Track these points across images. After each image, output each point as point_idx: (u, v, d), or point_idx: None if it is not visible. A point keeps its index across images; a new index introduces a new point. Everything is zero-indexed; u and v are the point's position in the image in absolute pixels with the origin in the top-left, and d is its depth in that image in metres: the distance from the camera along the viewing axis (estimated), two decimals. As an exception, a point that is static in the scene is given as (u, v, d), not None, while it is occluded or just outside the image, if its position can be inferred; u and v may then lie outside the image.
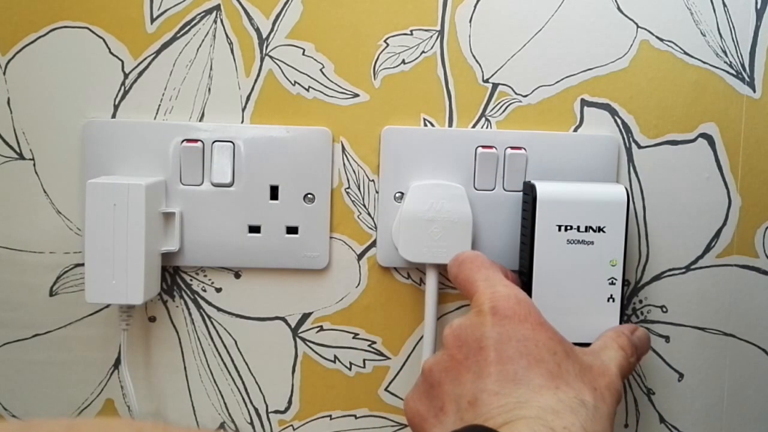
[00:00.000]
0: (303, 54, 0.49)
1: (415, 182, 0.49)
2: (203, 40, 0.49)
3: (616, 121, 0.51)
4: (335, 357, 0.51)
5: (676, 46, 0.50)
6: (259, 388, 0.51)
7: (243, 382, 0.51)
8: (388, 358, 0.52)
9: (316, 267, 0.50)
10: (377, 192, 0.50)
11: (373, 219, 0.51)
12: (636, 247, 0.52)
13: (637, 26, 0.50)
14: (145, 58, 0.49)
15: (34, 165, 0.49)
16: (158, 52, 0.49)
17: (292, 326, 0.51)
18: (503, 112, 0.50)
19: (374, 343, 0.51)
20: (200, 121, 0.49)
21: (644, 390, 0.53)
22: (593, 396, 0.36)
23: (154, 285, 0.48)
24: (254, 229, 0.49)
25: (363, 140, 0.50)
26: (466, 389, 0.36)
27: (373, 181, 0.50)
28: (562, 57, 0.50)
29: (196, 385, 0.51)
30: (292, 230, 0.50)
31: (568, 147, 0.50)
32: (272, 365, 0.51)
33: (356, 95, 0.50)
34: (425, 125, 0.50)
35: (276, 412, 0.52)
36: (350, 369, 0.52)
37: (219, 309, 0.51)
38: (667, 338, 0.52)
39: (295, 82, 0.49)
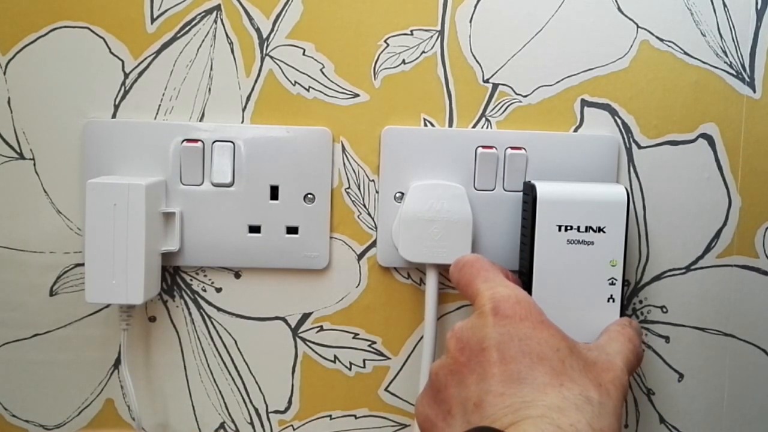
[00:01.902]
0: (303, 54, 0.49)
1: (415, 182, 0.49)
2: (203, 40, 0.49)
3: (616, 122, 0.51)
4: (335, 357, 0.51)
5: (676, 46, 0.50)
6: (259, 388, 0.52)
7: (243, 382, 0.51)
8: (388, 358, 0.52)
9: (316, 267, 0.50)
10: (377, 192, 0.50)
11: (373, 219, 0.51)
12: (636, 248, 0.52)
13: (637, 26, 0.50)
14: (146, 58, 0.49)
15: (34, 165, 0.49)
16: (158, 52, 0.49)
17: (292, 326, 0.51)
18: (503, 112, 0.50)
19: (374, 343, 0.52)
20: (200, 121, 0.49)
21: (644, 390, 0.53)
22: (598, 392, 0.36)
23: (154, 285, 0.48)
24: (254, 229, 0.49)
25: (363, 140, 0.50)
26: (471, 391, 0.36)
27: (373, 181, 0.50)
28: (563, 57, 0.50)
29: (196, 385, 0.51)
30: (292, 230, 0.50)
31: (568, 147, 0.50)
32: (272, 365, 0.51)
33: (356, 95, 0.50)
34: (425, 125, 0.50)
35: (276, 412, 0.52)
36: (350, 369, 0.52)
37: (219, 309, 0.51)
38: (667, 338, 0.52)
39: (296, 82, 0.49)
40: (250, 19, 0.49)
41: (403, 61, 0.50)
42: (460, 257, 0.45)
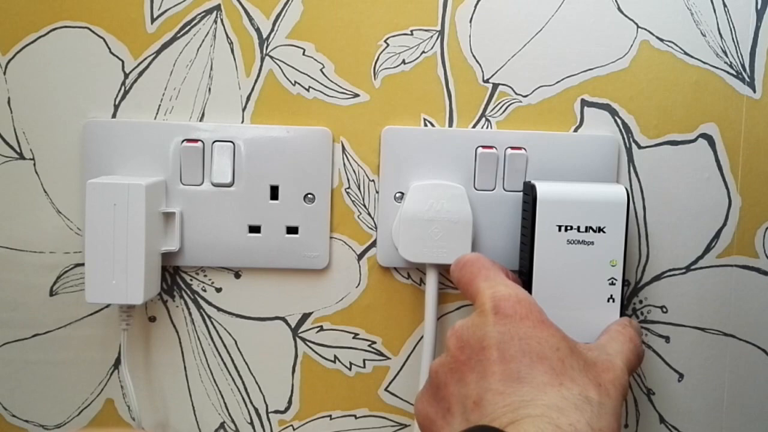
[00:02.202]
0: (303, 54, 0.49)
1: (415, 182, 0.49)
2: (203, 40, 0.49)
3: (616, 122, 0.51)
4: (335, 357, 0.51)
5: (677, 46, 0.50)
6: (259, 388, 0.52)
7: (243, 382, 0.51)
8: (388, 358, 0.52)
9: (316, 267, 0.50)
10: (377, 192, 0.50)
11: (373, 219, 0.51)
12: (636, 248, 0.52)
13: (638, 26, 0.50)
14: (146, 58, 0.49)
15: (34, 165, 0.49)
16: (158, 52, 0.49)
17: (292, 326, 0.51)
18: (503, 112, 0.50)
19: (374, 343, 0.52)
20: (200, 121, 0.49)
21: (644, 390, 0.53)
22: (598, 392, 0.36)
23: (154, 285, 0.48)
24: (254, 229, 0.49)
25: (363, 140, 0.50)
26: (470, 389, 0.36)
27: (373, 181, 0.50)
28: (562, 57, 0.50)
29: (196, 385, 0.51)
30: (292, 230, 0.50)
31: (568, 147, 0.50)
32: (272, 365, 0.51)
33: (356, 95, 0.50)
34: (425, 125, 0.50)
35: (276, 412, 0.52)
36: (350, 369, 0.52)
37: (219, 309, 0.51)
38: (667, 338, 0.52)
39: (296, 82, 0.49)
40: (250, 19, 0.49)
41: (403, 61, 0.50)
42: (461, 256, 0.45)
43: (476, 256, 0.44)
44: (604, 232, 0.46)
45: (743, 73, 0.51)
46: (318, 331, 0.51)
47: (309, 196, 0.49)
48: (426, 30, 0.49)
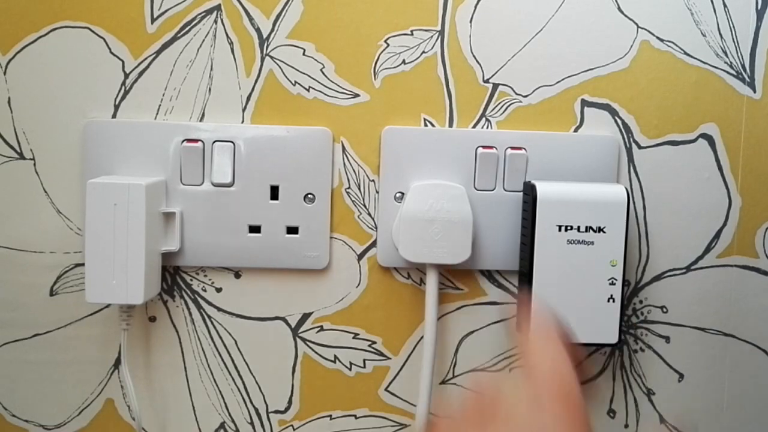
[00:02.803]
0: (303, 54, 0.49)
1: (416, 182, 0.49)
2: (203, 40, 0.49)
3: (616, 122, 0.51)
4: (335, 357, 0.51)
5: (677, 46, 0.50)
6: (259, 388, 0.52)
7: (243, 382, 0.51)
8: (388, 358, 0.52)
9: (316, 267, 0.50)
10: (377, 192, 0.50)
11: (373, 219, 0.51)
12: (636, 248, 0.52)
13: (638, 26, 0.50)
14: (146, 58, 0.49)
15: (34, 165, 0.49)
16: (159, 52, 0.49)
17: (292, 326, 0.51)
18: (503, 112, 0.50)
19: (374, 343, 0.51)
20: (200, 121, 0.49)
21: (644, 390, 0.53)
22: None
23: (155, 285, 0.48)
24: (254, 229, 0.49)
25: (363, 140, 0.50)
26: None
27: (373, 181, 0.50)
28: (563, 57, 0.50)
29: (196, 385, 0.51)
30: (292, 230, 0.50)
31: (568, 147, 0.50)
32: (272, 365, 0.51)
33: (356, 95, 0.50)
34: (425, 125, 0.50)
35: (276, 412, 0.52)
36: (350, 369, 0.52)
37: (219, 309, 0.51)
38: (667, 338, 0.52)
39: (296, 82, 0.49)
40: (250, 19, 0.49)
41: (404, 61, 0.50)
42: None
43: (551, 325, 0.37)
44: (604, 232, 0.46)
45: (743, 73, 0.51)
46: (318, 331, 0.51)
47: (309, 196, 0.49)
48: (426, 30, 0.49)
